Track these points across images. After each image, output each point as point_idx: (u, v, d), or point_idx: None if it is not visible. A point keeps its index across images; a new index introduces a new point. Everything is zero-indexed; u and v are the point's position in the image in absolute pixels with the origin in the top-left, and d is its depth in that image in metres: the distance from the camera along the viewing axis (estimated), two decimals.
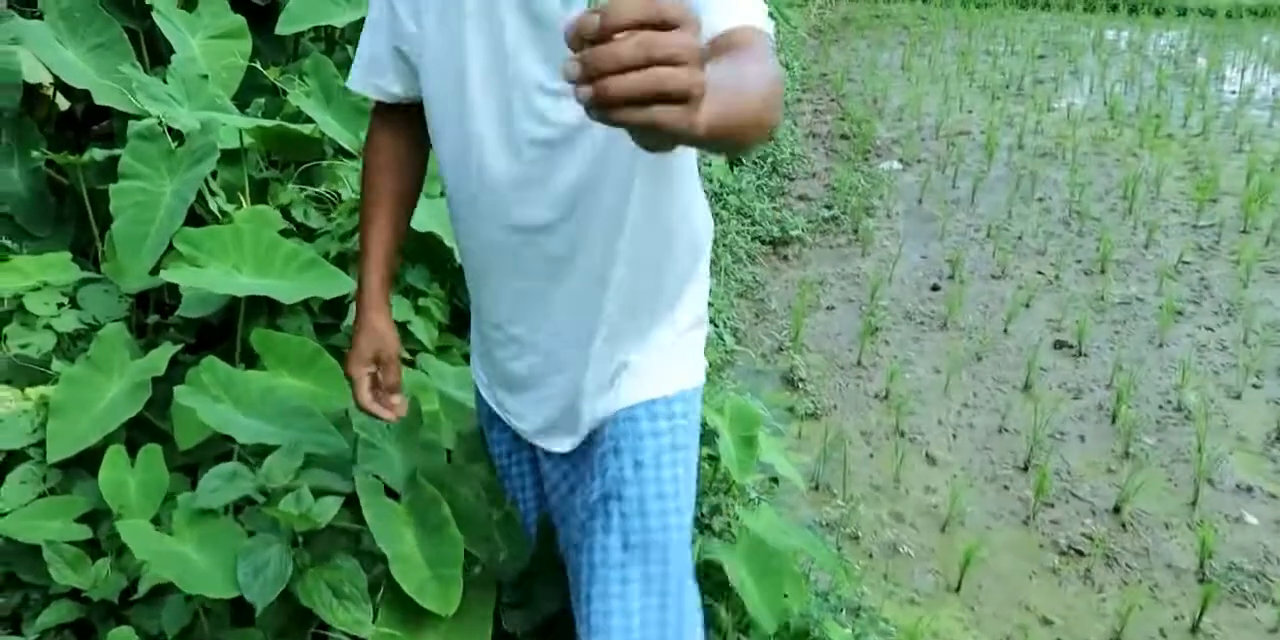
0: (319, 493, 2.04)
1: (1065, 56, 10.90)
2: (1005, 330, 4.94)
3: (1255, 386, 4.46)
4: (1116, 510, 3.66)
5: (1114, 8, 13.97)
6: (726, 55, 1.26)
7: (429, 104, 1.69)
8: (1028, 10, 14.04)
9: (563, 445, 1.83)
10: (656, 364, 1.76)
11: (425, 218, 2.73)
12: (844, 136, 8.13)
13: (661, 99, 0.76)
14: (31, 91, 3.45)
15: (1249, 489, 3.79)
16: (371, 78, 1.77)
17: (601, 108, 0.76)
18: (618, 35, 0.75)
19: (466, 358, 2.77)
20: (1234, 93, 9.46)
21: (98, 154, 3.10)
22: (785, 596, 2.51)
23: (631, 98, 0.75)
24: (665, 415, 1.75)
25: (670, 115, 0.77)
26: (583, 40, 0.76)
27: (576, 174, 1.56)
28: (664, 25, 0.76)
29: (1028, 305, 5.18)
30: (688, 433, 1.78)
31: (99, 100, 3.23)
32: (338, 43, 4.12)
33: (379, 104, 1.87)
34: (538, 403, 1.82)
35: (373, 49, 1.74)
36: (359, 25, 3.93)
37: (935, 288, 5.43)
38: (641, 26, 0.76)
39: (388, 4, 1.67)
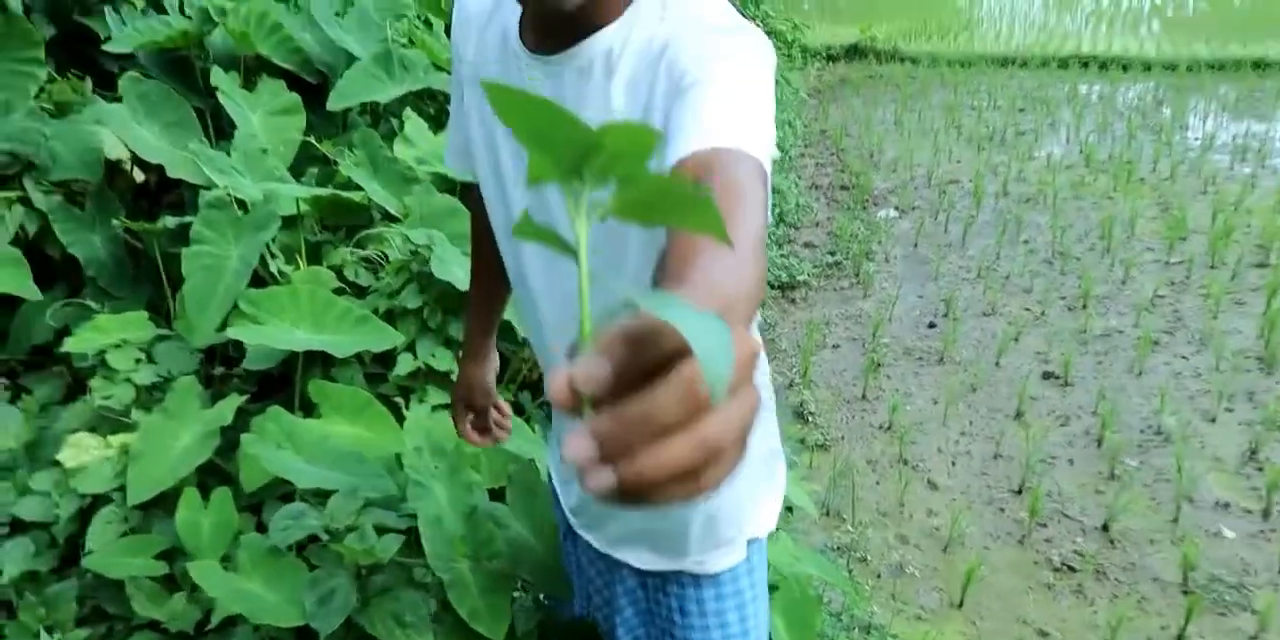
0: (379, 530, 2.05)
1: (1043, 110, 10.90)
2: (997, 363, 4.92)
3: (1228, 410, 4.42)
4: (1105, 528, 3.63)
5: (1085, 64, 13.98)
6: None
7: (482, 190, 1.54)
8: (1008, 68, 14.05)
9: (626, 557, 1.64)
10: (729, 510, 1.55)
11: (463, 274, 2.75)
12: (844, 187, 8.13)
13: (716, 460, 0.46)
14: (112, 166, 3.50)
15: (1226, 505, 3.76)
16: (458, 156, 1.61)
17: (636, 497, 0.45)
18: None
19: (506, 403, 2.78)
20: (1198, 139, 9.43)
21: (170, 221, 3.14)
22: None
23: (676, 476, 0.45)
24: (732, 582, 1.59)
25: (722, 471, 0.47)
26: (584, 401, 0.45)
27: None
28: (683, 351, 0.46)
29: (1017, 340, 5.15)
30: (755, 595, 1.63)
31: (172, 173, 3.29)
32: (382, 116, 4.16)
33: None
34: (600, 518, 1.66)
35: (453, 131, 1.60)
36: (403, 100, 4.01)
37: (931, 325, 5.41)
38: (667, 362, 0.46)
39: (459, 81, 1.51)
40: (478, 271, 1.83)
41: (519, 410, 3.14)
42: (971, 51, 15.27)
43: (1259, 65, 13.30)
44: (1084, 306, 5.56)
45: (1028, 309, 5.59)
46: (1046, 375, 4.80)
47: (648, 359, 0.46)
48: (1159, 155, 8.71)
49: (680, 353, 0.46)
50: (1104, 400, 4.49)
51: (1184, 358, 4.96)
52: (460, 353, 1.93)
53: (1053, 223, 6.97)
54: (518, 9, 1.27)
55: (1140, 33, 17.80)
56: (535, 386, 3.29)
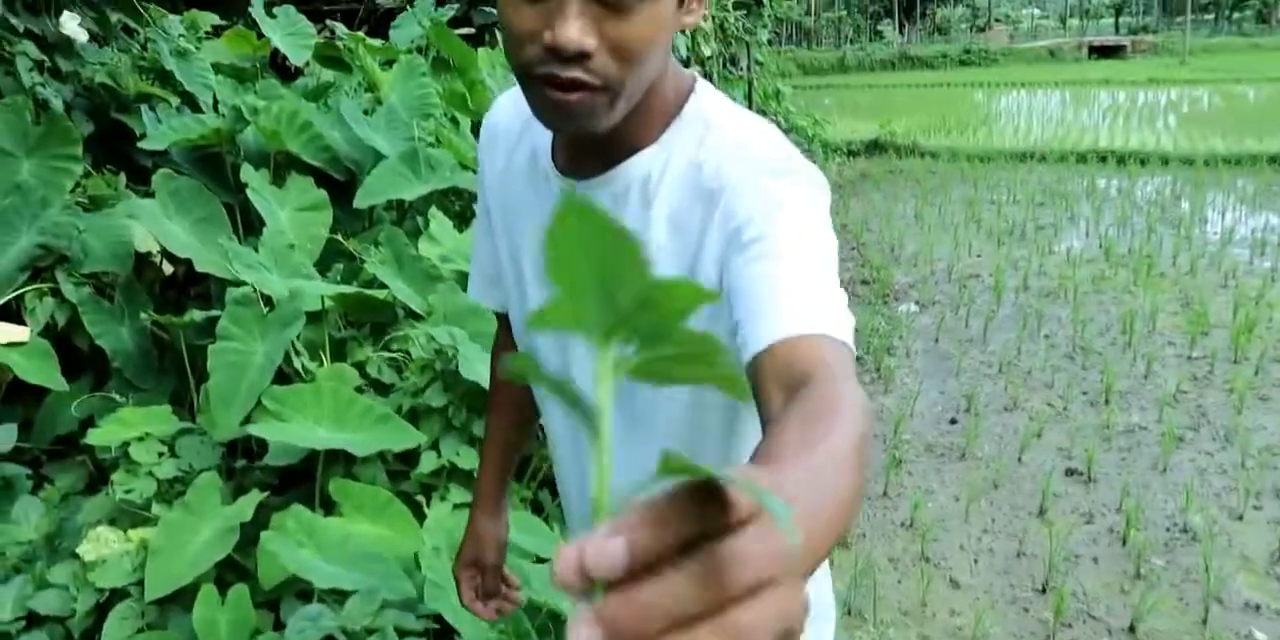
0: (399, 632, 2.03)
1: (1062, 204, 10.96)
2: (1019, 459, 4.87)
3: (1256, 508, 4.35)
4: (1131, 629, 3.55)
5: (1103, 159, 14.10)
6: (791, 409, 0.80)
7: (513, 323, 1.43)
8: (1026, 163, 14.19)
9: None
10: None
11: (487, 372, 2.76)
12: (865, 282, 8.16)
13: None
14: (141, 259, 3.56)
15: (1256, 607, 3.67)
16: (487, 286, 1.49)
17: None
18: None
19: (526, 502, 2.78)
20: (1217, 233, 9.45)
21: (197, 315, 3.18)
22: None
23: None
24: None
25: None
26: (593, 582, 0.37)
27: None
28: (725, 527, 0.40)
29: (1039, 435, 5.11)
30: None
31: (199, 267, 3.34)
32: (408, 213, 4.22)
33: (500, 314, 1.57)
34: None
35: (481, 256, 1.48)
36: (428, 198, 4.06)
37: (953, 421, 5.38)
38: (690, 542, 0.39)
39: (485, 206, 1.41)
40: (496, 413, 1.66)
41: (537, 509, 3.12)
42: (990, 146, 15.44)
43: (1275, 160, 13.39)
44: (1106, 402, 5.52)
45: (1050, 404, 5.55)
46: (1069, 472, 4.74)
47: (673, 541, 0.38)
48: (1179, 249, 8.72)
49: (709, 535, 0.39)
50: (1128, 497, 4.43)
51: (1209, 454, 4.90)
52: (471, 504, 1.69)
53: (1074, 317, 6.96)
54: (545, 132, 1.20)
55: (1157, 127, 17.99)
56: (555, 484, 3.28)
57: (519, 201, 1.28)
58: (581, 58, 0.97)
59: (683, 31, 1.16)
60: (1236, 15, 79.02)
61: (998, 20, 79.07)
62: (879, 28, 71.09)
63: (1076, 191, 11.76)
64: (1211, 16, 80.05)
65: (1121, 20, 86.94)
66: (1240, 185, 11.95)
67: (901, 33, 69.31)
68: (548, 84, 1.00)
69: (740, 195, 1.07)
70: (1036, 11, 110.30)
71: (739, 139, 1.12)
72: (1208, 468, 4.75)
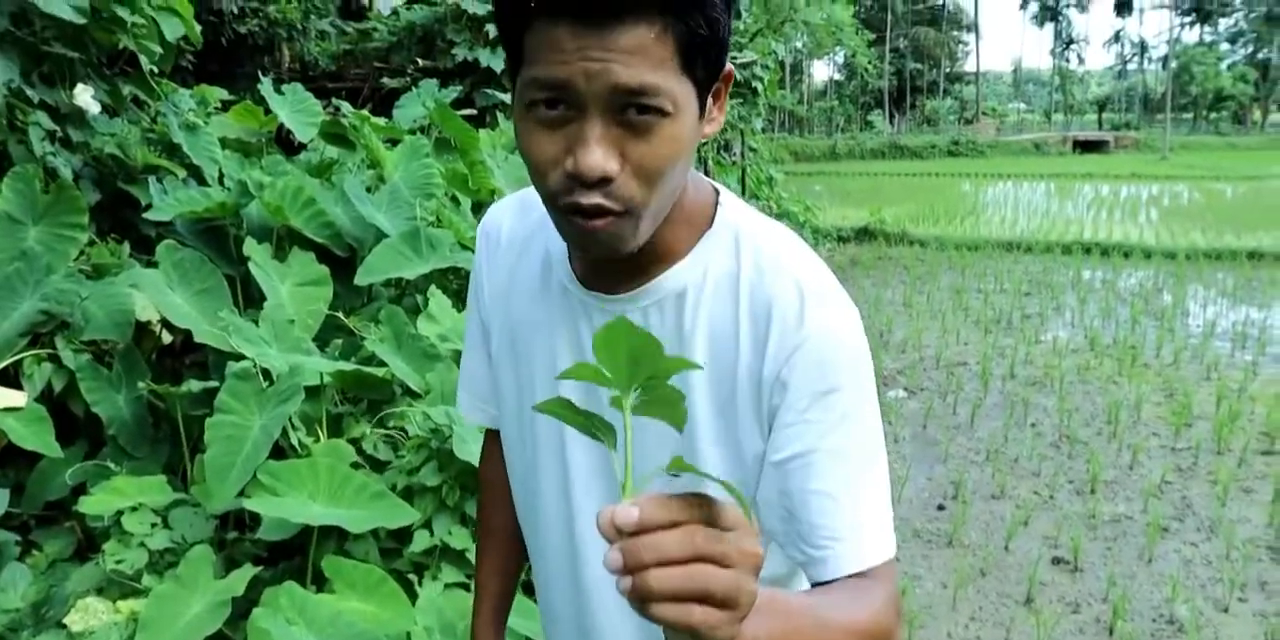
0: None
1: (1048, 294, 11.05)
2: (1006, 547, 4.84)
3: (1241, 600, 4.32)
4: None
5: (1088, 250, 14.25)
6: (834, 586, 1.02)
7: (507, 446, 1.35)
8: (1013, 253, 14.33)
9: None
10: None
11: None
12: None
13: (705, 599, 0.64)
14: (141, 328, 3.55)
15: None
16: (477, 402, 1.40)
17: (640, 601, 0.64)
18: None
19: (520, 583, 2.74)
20: (1199, 326, 9.54)
21: (194, 386, 3.16)
22: None
23: (672, 594, 0.63)
24: None
25: (710, 618, 0.64)
26: (620, 532, 0.64)
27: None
28: (713, 524, 0.66)
29: (1026, 523, 5.08)
30: None
31: (198, 339, 3.34)
32: (407, 291, 4.22)
33: (490, 431, 1.51)
34: None
35: (471, 370, 1.40)
36: (428, 277, 4.08)
37: (941, 507, 5.35)
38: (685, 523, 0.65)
39: (478, 317, 1.34)
40: (489, 539, 1.51)
41: (528, 589, 3.07)
42: (978, 236, 15.62)
43: (1253, 255, 13.56)
44: (1092, 491, 5.50)
45: (1036, 493, 5.53)
46: (1056, 560, 4.71)
47: (672, 518, 0.66)
48: (1162, 341, 8.78)
49: (690, 520, 0.66)
50: (1114, 587, 4.39)
51: (1194, 545, 4.87)
52: (471, 630, 1.53)
53: (1059, 406, 6.97)
54: (564, 243, 1.15)
55: (1139, 220, 18.22)
56: None
57: (526, 316, 1.23)
58: (604, 182, 0.95)
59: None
60: (1213, 115, 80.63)
61: (985, 113, 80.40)
62: (869, 118, 72.34)
63: (1062, 282, 11.86)
64: (1190, 115, 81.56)
65: (1104, 116, 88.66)
66: (1220, 279, 12.10)
67: (891, 123, 70.47)
68: (574, 213, 0.98)
69: (791, 351, 1.07)
70: (1022, 106, 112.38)
71: (778, 256, 1.12)
72: (1193, 559, 4.72)
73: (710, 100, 1.03)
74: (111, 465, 3.13)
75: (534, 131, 0.97)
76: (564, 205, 0.98)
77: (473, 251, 4.12)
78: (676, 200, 1.08)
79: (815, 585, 1.05)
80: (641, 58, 0.91)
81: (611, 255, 1.03)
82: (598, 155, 0.93)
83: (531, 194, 1.25)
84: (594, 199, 0.96)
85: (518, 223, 1.28)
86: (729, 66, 1.03)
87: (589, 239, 1.01)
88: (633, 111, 0.94)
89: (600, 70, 0.91)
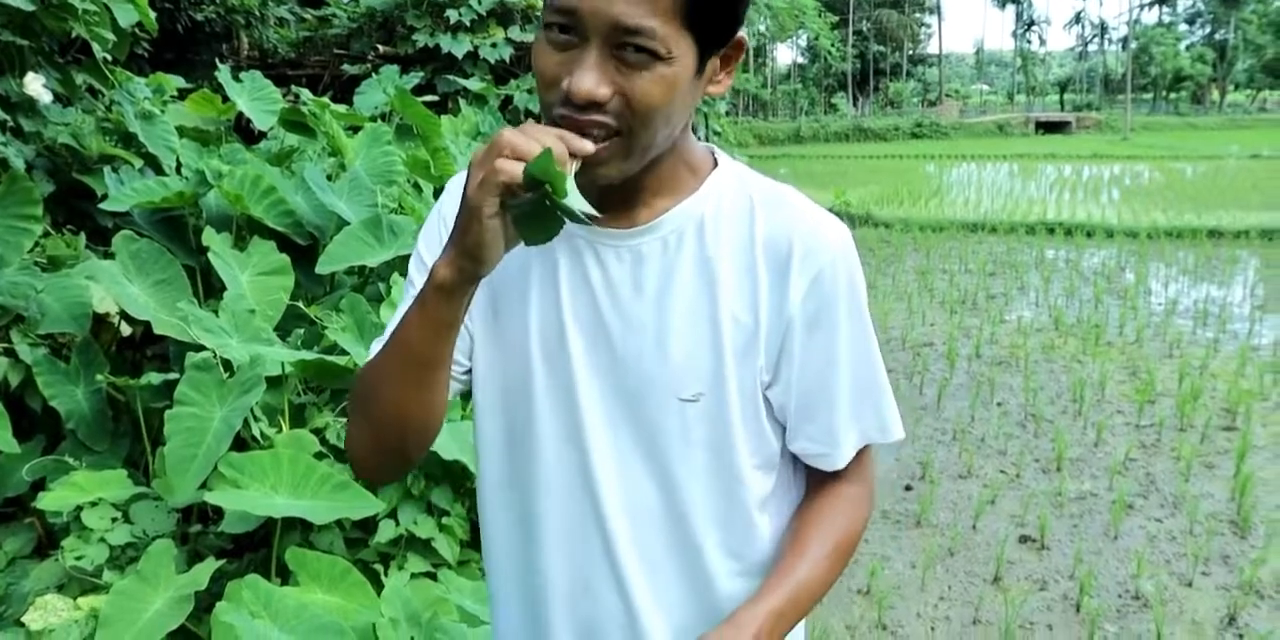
0: None
1: (1013, 274, 11.10)
2: (974, 526, 4.86)
3: (1204, 574, 4.35)
4: None
5: (1051, 230, 14.34)
6: (809, 514, 1.26)
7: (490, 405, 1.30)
8: (977, 234, 14.39)
9: None
10: None
11: (448, 442, 2.71)
12: None
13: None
14: (99, 320, 3.49)
15: None
16: None
17: None
18: None
19: (484, 572, 2.72)
20: (1161, 304, 9.61)
21: (154, 378, 3.11)
22: None
23: None
24: None
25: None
26: None
27: None
28: None
29: (993, 502, 5.10)
30: None
31: (158, 331, 3.28)
32: (369, 279, 4.18)
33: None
34: None
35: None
36: (391, 264, 4.03)
37: (908, 488, 5.36)
38: None
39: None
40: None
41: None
42: (942, 217, 15.67)
43: (1213, 234, 13.70)
44: (1058, 469, 5.53)
45: (1003, 471, 5.55)
46: (1023, 539, 4.73)
47: None
48: (1125, 319, 8.84)
49: None
50: (1081, 564, 4.41)
51: (1158, 521, 4.91)
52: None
53: (1025, 385, 7.00)
54: None
55: (1101, 200, 18.34)
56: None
57: (509, 268, 1.21)
58: (591, 107, 1.04)
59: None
60: (1173, 95, 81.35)
61: (948, 95, 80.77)
62: (833, 100, 72.41)
63: (1026, 262, 11.93)
64: (1150, 96, 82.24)
65: (1066, 97, 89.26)
66: (1182, 257, 12.20)
67: (855, 106, 70.62)
68: (570, 127, 1.05)
69: (809, 277, 1.20)
70: (985, 87, 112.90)
71: (778, 187, 1.26)
72: (1157, 534, 4.75)
73: (718, 63, 1.13)
74: (70, 460, 3.08)
75: (544, 50, 1.08)
76: (556, 116, 1.06)
77: None
78: (679, 145, 1.19)
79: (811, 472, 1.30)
80: (644, 1, 1.01)
81: (600, 176, 1.09)
82: (589, 80, 1.03)
83: None
84: (589, 115, 1.05)
85: None
86: (741, 35, 1.13)
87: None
88: (630, 50, 1.03)
89: (604, 5, 1.01)
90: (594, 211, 1.00)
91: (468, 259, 1.05)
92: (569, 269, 1.21)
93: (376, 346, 1.25)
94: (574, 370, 1.21)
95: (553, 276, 1.22)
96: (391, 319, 1.24)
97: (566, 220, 1.01)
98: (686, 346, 1.18)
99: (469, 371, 1.29)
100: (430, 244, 1.28)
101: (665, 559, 1.25)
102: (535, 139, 0.99)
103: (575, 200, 0.99)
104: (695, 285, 1.19)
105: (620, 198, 1.18)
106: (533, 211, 1.02)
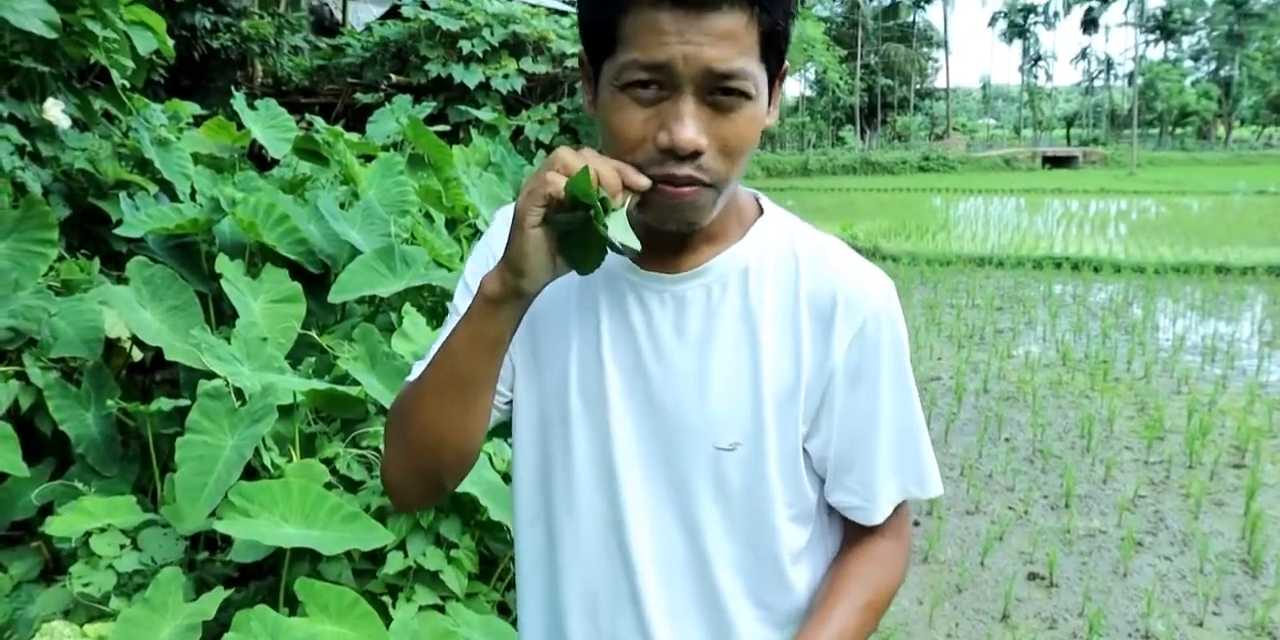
0: None
1: (1020, 309, 11.08)
2: (982, 563, 4.82)
3: (1215, 614, 4.31)
4: None
5: (1058, 265, 14.33)
6: (848, 568, 1.25)
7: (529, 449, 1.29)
8: (984, 268, 14.38)
9: None
10: None
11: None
12: None
13: None
14: (110, 344, 3.49)
15: None
16: None
17: None
18: None
19: (493, 605, 2.70)
20: (1169, 340, 9.58)
21: (165, 404, 3.10)
22: None
23: None
24: None
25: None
26: None
27: None
28: None
29: (1001, 539, 5.07)
30: None
31: (169, 357, 3.29)
32: (381, 309, 4.18)
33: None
34: None
35: None
36: (402, 294, 4.03)
37: (916, 523, 5.33)
38: None
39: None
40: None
41: (504, 611, 3.04)
42: (949, 251, 15.66)
43: (1220, 269, 13.67)
44: (1066, 506, 5.50)
45: (1011, 508, 5.52)
46: (1032, 576, 4.69)
47: None
48: (1133, 355, 8.81)
49: None
50: (1090, 602, 4.38)
51: (1168, 559, 4.87)
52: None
53: (1033, 421, 6.98)
54: None
55: (1108, 235, 18.34)
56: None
57: (552, 304, 1.23)
58: (695, 156, 1.04)
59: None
60: (1179, 131, 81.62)
61: (955, 129, 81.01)
62: (841, 133, 72.67)
63: (1033, 297, 11.91)
64: (1156, 131, 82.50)
65: (1072, 132, 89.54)
66: (1189, 293, 12.18)
67: (863, 138, 70.83)
68: (665, 182, 1.05)
69: (853, 330, 1.18)
70: (992, 121, 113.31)
71: (823, 238, 1.25)
72: (1167, 573, 4.71)
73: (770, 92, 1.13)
74: (79, 485, 3.07)
75: (627, 108, 1.05)
76: (654, 175, 1.05)
77: (448, 270, 4.11)
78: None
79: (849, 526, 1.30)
80: (732, 43, 1.01)
81: (690, 226, 1.11)
82: (691, 130, 1.02)
83: None
84: (686, 170, 1.04)
85: None
86: (785, 62, 1.13)
87: (674, 208, 1.08)
88: (720, 93, 1.03)
89: (696, 53, 1.00)
90: (636, 244, 1.00)
91: (512, 271, 1.07)
92: (610, 310, 1.21)
93: (418, 369, 1.25)
94: (610, 413, 1.20)
95: (594, 317, 1.22)
96: (433, 342, 1.24)
97: (610, 250, 1.02)
98: (726, 395, 1.16)
99: (510, 402, 1.29)
100: (477, 271, 1.26)
101: (691, 606, 1.23)
102: (586, 160, 1.00)
103: (618, 231, 0.99)
104: (737, 334, 1.18)
105: (669, 243, 1.18)
106: (576, 232, 1.02)
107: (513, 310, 1.10)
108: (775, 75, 1.11)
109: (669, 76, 1.02)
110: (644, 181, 1.03)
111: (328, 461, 3.01)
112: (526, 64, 8.82)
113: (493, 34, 8.74)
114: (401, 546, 2.79)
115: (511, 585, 3.20)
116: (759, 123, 1.08)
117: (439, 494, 1.29)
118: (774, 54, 1.07)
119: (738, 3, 1.00)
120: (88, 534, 2.71)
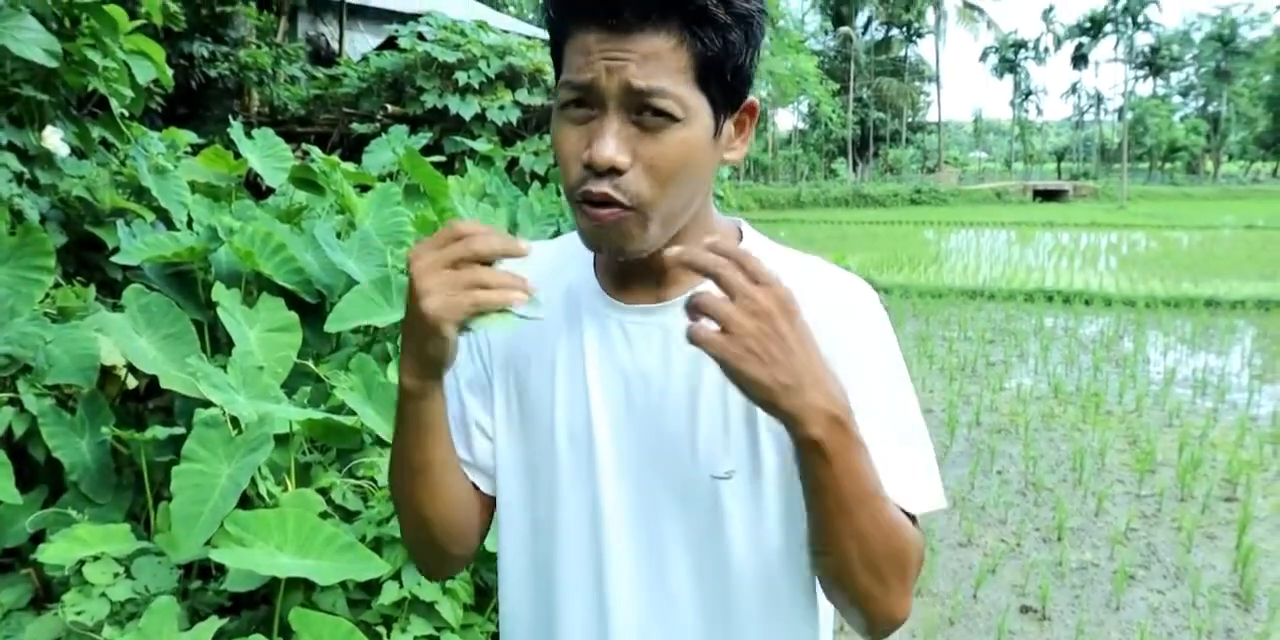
0: None
1: (1012, 341, 11.12)
2: (974, 596, 4.81)
3: None
4: None
5: (1050, 298, 14.38)
6: None
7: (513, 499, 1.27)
8: (976, 300, 14.43)
9: None
10: None
11: None
12: None
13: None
14: (105, 372, 3.49)
15: None
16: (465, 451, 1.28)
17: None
18: None
19: (489, 636, 2.69)
20: (1160, 373, 9.62)
21: (159, 432, 3.10)
22: None
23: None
24: None
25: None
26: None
27: None
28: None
29: (993, 571, 5.06)
30: None
31: (164, 385, 3.28)
32: (377, 338, 4.18)
33: None
34: None
35: (454, 412, 1.26)
36: (398, 325, 4.02)
37: None
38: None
39: (472, 353, 1.28)
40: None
41: None
42: (941, 283, 15.72)
43: (1210, 303, 13.74)
44: (1059, 538, 5.49)
45: (1003, 540, 5.51)
46: (1024, 609, 4.68)
47: None
48: (1124, 388, 8.84)
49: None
50: (1083, 635, 4.37)
51: (1160, 592, 4.86)
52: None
53: (1025, 453, 6.98)
54: (584, 269, 1.23)
55: (1099, 268, 18.42)
56: None
57: (538, 347, 1.23)
58: (614, 173, 1.04)
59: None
60: (1168, 165, 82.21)
61: (947, 162, 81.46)
62: (833, 166, 72.94)
63: (1025, 329, 11.95)
64: (1146, 165, 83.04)
65: (1063, 166, 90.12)
66: (1179, 326, 12.24)
67: (855, 171, 71.12)
68: (585, 202, 1.06)
69: (836, 340, 1.13)
70: (983, 155, 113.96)
71: (806, 262, 1.23)
72: (1160, 606, 4.71)
73: (732, 128, 1.13)
74: (73, 512, 3.05)
75: (564, 128, 1.07)
76: (578, 195, 1.06)
77: None
78: (705, 215, 1.19)
79: None
80: (656, 63, 1.02)
81: (619, 253, 1.10)
82: (610, 146, 1.03)
83: (552, 242, 1.31)
84: (602, 187, 1.04)
85: (537, 258, 1.22)
86: (753, 99, 1.13)
87: (598, 232, 1.09)
88: (647, 114, 1.03)
89: (617, 68, 1.01)
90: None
91: (430, 366, 1.07)
92: (598, 348, 1.20)
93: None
94: (598, 464, 1.18)
95: (580, 359, 1.20)
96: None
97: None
98: (718, 422, 1.15)
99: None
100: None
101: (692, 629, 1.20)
102: (476, 273, 1.01)
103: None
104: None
105: (648, 273, 1.18)
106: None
107: (438, 393, 1.11)
108: (727, 105, 1.09)
109: (593, 95, 1.03)
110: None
111: (323, 491, 3.01)
112: (522, 95, 8.86)
113: (489, 65, 8.79)
114: (397, 577, 2.78)
115: None
116: (693, 148, 1.06)
117: (450, 562, 1.28)
118: (716, 82, 1.06)
119: (663, 25, 1.01)
120: (81, 562, 2.69)
